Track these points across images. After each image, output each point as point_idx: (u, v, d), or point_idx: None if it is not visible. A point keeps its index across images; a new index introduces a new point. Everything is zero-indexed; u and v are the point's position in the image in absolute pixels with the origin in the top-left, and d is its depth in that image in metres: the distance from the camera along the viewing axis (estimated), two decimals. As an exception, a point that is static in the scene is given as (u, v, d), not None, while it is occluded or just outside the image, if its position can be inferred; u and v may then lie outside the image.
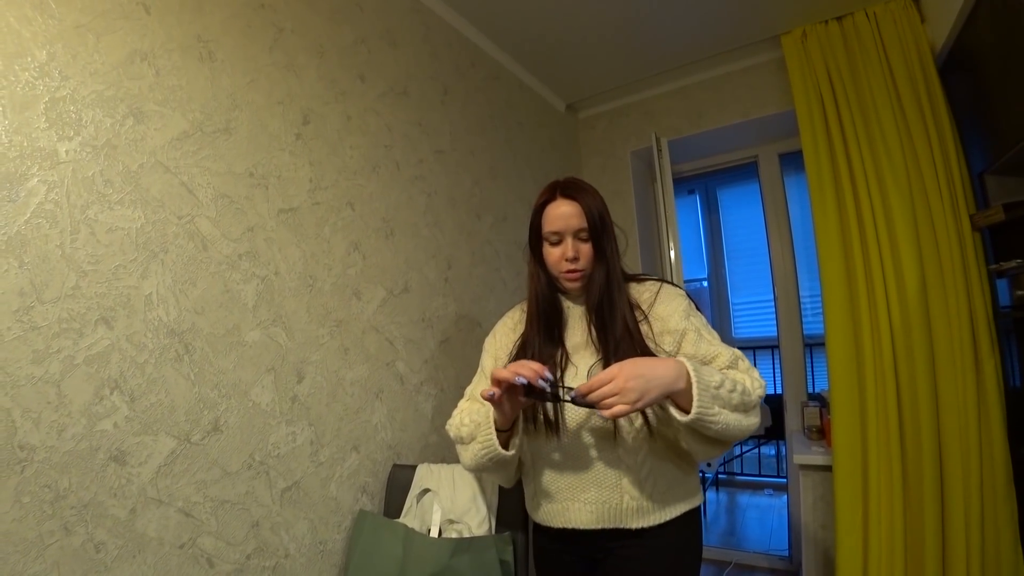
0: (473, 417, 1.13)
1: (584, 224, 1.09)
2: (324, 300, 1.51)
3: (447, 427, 1.20)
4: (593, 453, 1.07)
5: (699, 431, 0.95)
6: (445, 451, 1.84)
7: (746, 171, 3.33)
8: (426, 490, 1.36)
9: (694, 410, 0.90)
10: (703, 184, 4.46)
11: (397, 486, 1.52)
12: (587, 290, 1.14)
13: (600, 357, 1.08)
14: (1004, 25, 1.63)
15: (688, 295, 1.16)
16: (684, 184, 3.95)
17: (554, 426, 1.07)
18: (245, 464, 1.25)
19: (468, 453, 1.12)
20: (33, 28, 1.02)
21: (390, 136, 1.84)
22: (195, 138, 1.26)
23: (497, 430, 1.05)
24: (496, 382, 0.96)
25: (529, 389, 0.96)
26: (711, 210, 4.55)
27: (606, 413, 0.87)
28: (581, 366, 1.11)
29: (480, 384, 1.24)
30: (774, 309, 3.08)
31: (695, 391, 0.90)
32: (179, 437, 1.13)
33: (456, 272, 2.06)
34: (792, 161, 3.01)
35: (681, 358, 0.94)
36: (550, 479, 1.12)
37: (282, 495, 1.32)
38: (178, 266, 1.18)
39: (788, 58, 2.48)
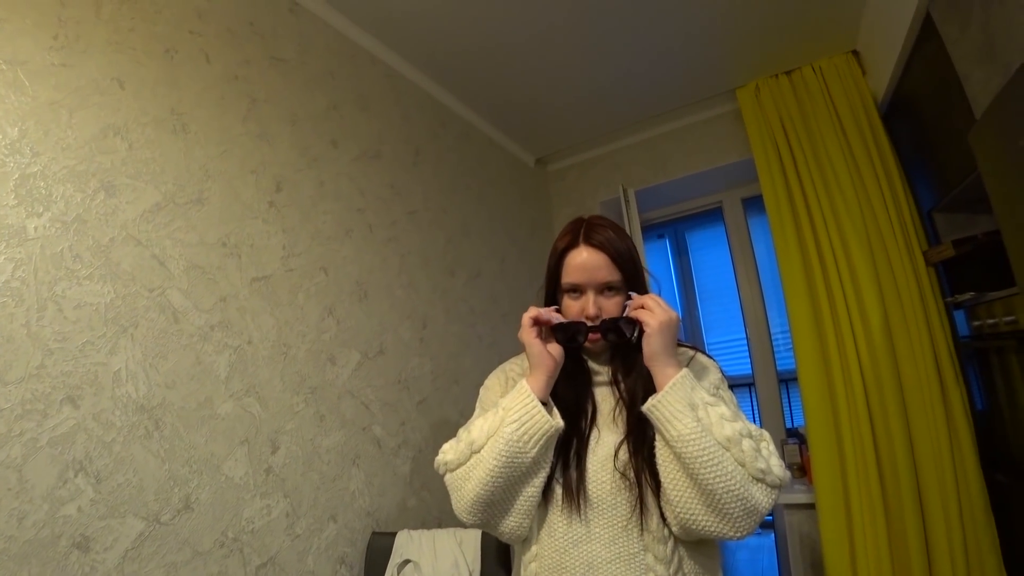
0: (488, 420, 0.92)
1: (610, 278, 0.95)
2: (298, 367, 1.49)
3: (439, 456, 0.94)
4: (613, 538, 0.89)
5: (661, 430, 0.83)
6: (425, 514, 1.80)
7: (713, 215, 3.44)
8: (407, 561, 1.32)
9: (659, 395, 0.83)
10: (672, 228, 4.57)
11: (376, 555, 1.47)
12: (615, 352, 1.00)
13: (626, 433, 0.94)
14: (936, 75, 1.76)
15: (720, 369, 1.03)
16: (654, 229, 4.06)
17: (576, 493, 0.90)
18: (217, 542, 1.20)
19: (479, 466, 0.87)
20: (5, 106, 1.03)
21: (363, 199, 1.87)
22: (167, 210, 1.27)
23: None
24: (535, 322, 0.93)
25: (560, 328, 0.94)
26: (681, 253, 4.65)
27: (632, 312, 0.90)
28: (605, 436, 0.95)
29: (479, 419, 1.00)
30: (747, 347, 3.13)
31: (674, 382, 0.84)
32: (147, 518, 1.09)
33: (431, 331, 2.07)
34: (755, 204, 3.12)
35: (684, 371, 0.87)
36: (557, 568, 0.90)
37: (257, 573, 1.27)
38: (148, 340, 1.16)
39: (744, 110, 2.63)
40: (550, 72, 2.43)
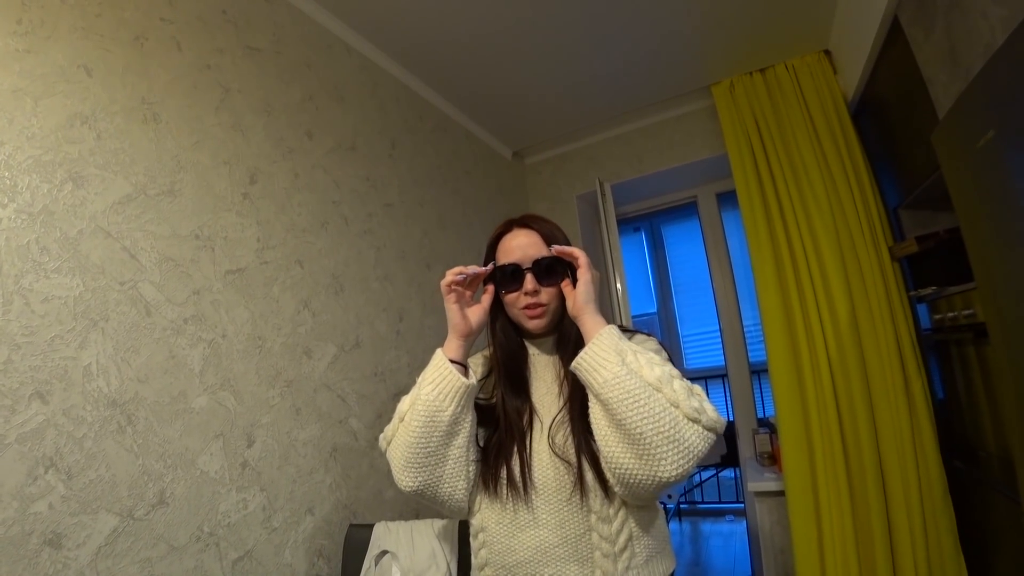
0: (412, 392, 0.98)
1: (544, 253, 0.99)
2: (274, 360, 1.48)
3: (380, 436, 1.02)
4: (560, 522, 0.91)
5: (589, 382, 0.84)
6: (402, 506, 1.81)
7: (688, 209, 3.50)
8: (384, 552, 1.33)
9: (586, 347, 0.85)
10: (648, 222, 4.63)
11: (354, 547, 1.48)
12: (557, 329, 1.03)
13: (566, 401, 0.97)
14: (903, 76, 1.82)
15: (663, 346, 1.04)
16: (630, 223, 4.10)
17: (521, 484, 0.93)
18: (193, 537, 1.20)
19: (404, 430, 0.93)
20: (-35, 95, 1.00)
21: (338, 192, 1.85)
22: (138, 201, 1.24)
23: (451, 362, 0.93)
24: (452, 284, 0.96)
25: (498, 269, 0.99)
26: (657, 246, 4.71)
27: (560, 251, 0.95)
28: (547, 421, 0.98)
29: None
30: (720, 339, 3.19)
31: (600, 333, 0.86)
32: (121, 514, 1.08)
33: (408, 324, 2.07)
34: (729, 199, 3.18)
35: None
36: (506, 551, 0.94)
37: (233, 566, 1.26)
38: (120, 334, 1.14)
39: (719, 106, 2.67)
40: (527, 65, 2.43)
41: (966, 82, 1.25)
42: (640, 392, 0.79)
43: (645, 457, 0.78)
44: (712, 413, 0.82)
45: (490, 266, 1.00)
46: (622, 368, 0.81)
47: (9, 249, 1.01)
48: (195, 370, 1.28)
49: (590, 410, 0.87)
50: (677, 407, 0.79)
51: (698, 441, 0.79)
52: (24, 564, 0.93)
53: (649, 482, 0.80)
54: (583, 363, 0.85)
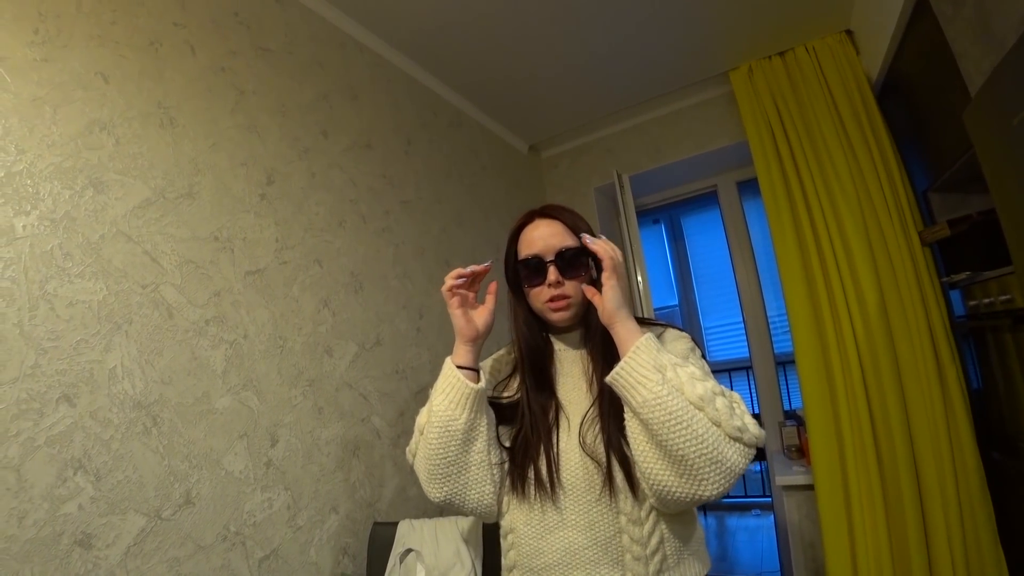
0: (427, 405, 0.97)
1: (567, 243, 0.95)
2: (295, 360, 1.49)
3: (407, 451, 1.01)
4: (590, 523, 0.89)
5: (627, 398, 0.81)
6: (426, 503, 1.81)
7: (708, 199, 3.44)
8: (409, 550, 1.33)
9: (623, 361, 0.81)
10: (667, 214, 4.57)
11: (379, 545, 1.48)
12: (584, 322, 1.00)
13: (596, 397, 0.94)
14: (930, 53, 1.75)
15: (693, 340, 1.01)
16: (649, 214, 4.05)
17: (548, 484, 0.91)
18: (220, 536, 1.21)
19: (424, 443, 0.92)
20: (-13, 104, 1.02)
21: (355, 190, 1.86)
22: (157, 205, 1.25)
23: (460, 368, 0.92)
24: (453, 288, 0.93)
25: (523, 264, 0.96)
26: (677, 238, 4.65)
27: (596, 244, 0.88)
28: (574, 418, 0.95)
29: None
30: (744, 330, 3.14)
31: (637, 345, 0.81)
32: (149, 514, 1.09)
33: (428, 321, 2.06)
34: (751, 187, 3.12)
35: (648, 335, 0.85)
36: (534, 553, 0.91)
37: (260, 565, 1.28)
38: (143, 336, 1.16)
39: (737, 92, 2.61)
40: (540, 54, 2.40)
41: (1000, 56, 1.20)
42: (683, 413, 0.76)
43: (686, 476, 0.77)
44: (753, 428, 0.80)
45: (489, 262, 0.97)
46: (663, 387, 0.78)
47: (33, 255, 1.02)
48: (218, 371, 1.29)
49: (626, 423, 0.84)
50: (719, 426, 0.78)
51: (739, 459, 0.78)
52: (56, 564, 0.95)
53: (688, 499, 0.79)
54: (620, 379, 0.81)
